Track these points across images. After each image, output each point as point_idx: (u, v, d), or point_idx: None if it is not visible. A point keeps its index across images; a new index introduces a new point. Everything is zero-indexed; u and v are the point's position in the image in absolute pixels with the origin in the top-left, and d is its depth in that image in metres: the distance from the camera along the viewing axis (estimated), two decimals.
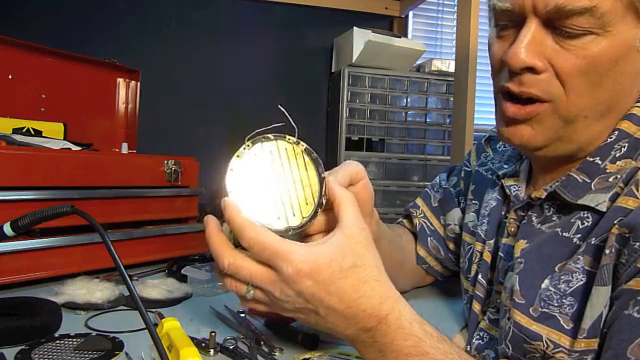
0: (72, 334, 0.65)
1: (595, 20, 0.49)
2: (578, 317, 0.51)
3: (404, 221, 0.94)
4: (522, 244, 0.60)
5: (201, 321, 0.73)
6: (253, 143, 0.52)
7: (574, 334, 0.51)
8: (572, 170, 0.57)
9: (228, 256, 0.49)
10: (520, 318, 0.55)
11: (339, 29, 1.90)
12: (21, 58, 1.22)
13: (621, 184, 0.53)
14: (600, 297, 0.49)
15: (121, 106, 1.45)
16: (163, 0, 1.81)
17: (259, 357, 0.61)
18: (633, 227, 0.47)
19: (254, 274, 0.49)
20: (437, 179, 0.93)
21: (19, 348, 0.59)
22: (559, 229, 0.57)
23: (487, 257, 0.69)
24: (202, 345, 0.62)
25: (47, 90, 1.28)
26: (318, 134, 1.98)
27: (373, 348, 0.49)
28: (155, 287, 0.84)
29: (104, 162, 1.06)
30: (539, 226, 0.60)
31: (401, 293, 0.51)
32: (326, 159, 0.50)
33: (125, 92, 1.46)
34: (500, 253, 0.65)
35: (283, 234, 0.50)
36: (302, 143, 0.53)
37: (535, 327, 0.54)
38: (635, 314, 0.45)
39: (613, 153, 0.55)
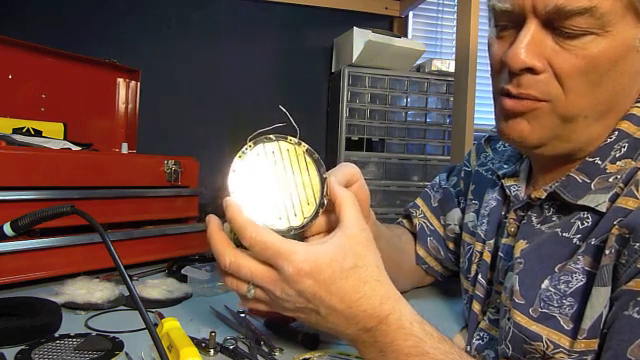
0: (72, 334, 0.65)
1: (595, 20, 0.49)
2: (578, 317, 0.51)
3: (404, 221, 0.94)
4: (522, 244, 0.60)
5: (201, 321, 0.73)
6: (255, 144, 0.52)
7: (574, 334, 0.51)
8: (572, 170, 0.57)
9: (229, 255, 0.50)
10: (520, 318, 0.55)
11: (339, 29, 1.90)
12: (21, 58, 1.22)
13: (621, 184, 0.53)
14: (600, 298, 0.49)
15: (121, 106, 1.45)
16: (163, 0, 1.81)
17: (259, 357, 0.61)
18: (633, 228, 0.47)
19: (255, 273, 0.49)
20: (437, 179, 0.93)
21: (19, 348, 0.59)
22: (559, 229, 0.57)
23: (487, 257, 0.69)
24: (202, 345, 0.62)
25: (47, 90, 1.28)
26: (318, 134, 1.98)
27: (374, 348, 0.49)
28: (155, 287, 0.84)
29: (104, 162, 1.06)
30: (539, 226, 0.60)
31: (401, 293, 0.51)
32: (326, 159, 0.50)
33: (125, 92, 1.46)
34: (500, 253, 0.65)
35: (284, 234, 0.50)
36: (303, 144, 0.53)
37: (535, 327, 0.54)
38: (635, 315, 0.45)
39: (613, 153, 0.55)
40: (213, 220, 0.52)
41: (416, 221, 0.90)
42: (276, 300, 0.49)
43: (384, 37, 1.76)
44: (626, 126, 0.55)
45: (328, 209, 0.53)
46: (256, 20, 1.91)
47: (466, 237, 0.78)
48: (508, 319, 0.57)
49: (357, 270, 0.48)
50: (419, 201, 0.92)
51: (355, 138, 1.84)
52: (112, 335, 0.65)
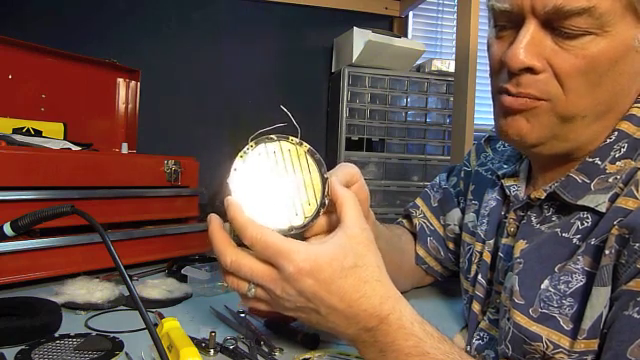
0: (72, 334, 0.65)
1: (594, 20, 0.50)
2: (578, 318, 0.51)
3: (404, 221, 0.94)
4: (522, 244, 0.60)
5: (201, 321, 0.73)
6: (257, 144, 0.52)
7: (574, 335, 0.51)
8: (571, 170, 0.57)
9: (230, 254, 0.50)
10: (520, 319, 0.55)
11: (339, 29, 1.90)
12: (21, 58, 1.22)
13: (621, 185, 0.53)
14: (600, 298, 0.49)
15: (121, 106, 1.45)
16: (163, 0, 1.81)
17: (259, 357, 0.61)
18: (633, 228, 0.47)
19: (255, 272, 0.49)
20: (437, 179, 0.93)
21: (19, 348, 0.59)
22: (559, 229, 0.57)
23: (487, 257, 0.69)
24: (202, 345, 0.62)
25: (47, 90, 1.28)
26: (318, 134, 1.98)
27: (374, 348, 0.49)
28: (155, 287, 0.84)
29: (104, 162, 1.06)
30: (539, 226, 0.60)
31: (401, 293, 0.51)
32: (326, 159, 0.50)
33: (125, 92, 1.46)
34: (500, 253, 0.65)
35: (285, 234, 0.50)
36: (305, 144, 0.53)
37: (535, 328, 0.54)
38: (635, 315, 0.45)
39: (613, 154, 0.55)
40: (215, 219, 0.52)
41: (416, 221, 0.90)
42: (276, 299, 0.49)
43: (384, 37, 1.76)
44: (626, 126, 0.55)
45: (329, 209, 0.53)
46: (256, 20, 1.91)
47: (466, 237, 0.78)
48: (508, 319, 0.57)
49: (357, 270, 0.48)
50: (419, 201, 0.92)
51: (355, 138, 1.84)
52: (112, 335, 0.65)
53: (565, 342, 0.51)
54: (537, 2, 0.51)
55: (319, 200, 0.52)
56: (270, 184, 0.52)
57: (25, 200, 0.87)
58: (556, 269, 0.55)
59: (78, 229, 0.93)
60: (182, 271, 0.92)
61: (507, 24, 0.56)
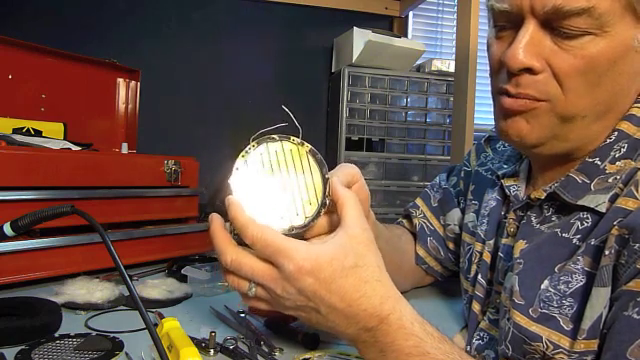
0: (72, 334, 0.65)
1: (593, 21, 0.50)
2: (578, 318, 0.51)
3: (404, 221, 0.94)
4: (521, 244, 0.60)
5: (201, 321, 0.73)
6: (258, 143, 0.52)
7: (574, 335, 0.51)
8: (571, 171, 0.57)
9: (231, 253, 0.50)
10: (520, 319, 0.55)
11: (339, 29, 1.90)
12: (21, 58, 1.22)
13: (621, 185, 0.53)
14: (600, 298, 0.49)
15: (121, 106, 1.45)
16: (163, 0, 1.81)
17: (259, 357, 0.61)
18: (633, 228, 0.47)
19: (256, 271, 0.49)
20: (437, 179, 0.94)
21: (19, 348, 0.59)
22: (558, 230, 0.57)
23: (487, 257, 0.69)
24: (202, 345, 0.62)
25: (47, 90, 1.28)
26: (318, 134, 1.98)
27: (374, 348, 0.49)
28: (155, 287, 0.84)
29: (104, 162, 1.06)
30: (538, 226, 0.60)
31: (401, 293, 0.51)
32: (326, 159, 0.50)
33: (125, 92, 1.46)
34: (500, 253, 0.65)
35: (286, 233, 0.50)
36: (306, 144, 0.53)
37: (535, 328, 0.54)
38: (635, 315, 0.45)
39: (612, 154, 0.55)
40: (216, 219, 0.52)
41: (416, 221, 0.90)
42: (277, 298, 0.49)
43: (384, 37, 1.76)
44: (626, 126, 0.55)
45: (330, 209, 0.53)
46: (256, 20, 1.91)
47: (466, 237, 0.78)
48: (508, 319, 0.57)
49: (358, 269, 0.48)
50: (419, 201, 0.92)
51: (355, 138, 1.84)
52: (112, 335, 0.65)
53: (565, 342, 0.52)
54: (536, 2, 0.51)
55: (320, 200, 0.52)
56: (271, 184, 0.52)
57: (25, 200, 0.87)
58: (556, 269, 0.55)
59: (78, 229, 0.93)
60: (182, 271, 0.92)
61: (506, 24, 0.56)
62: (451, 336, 0.60)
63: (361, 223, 0.51)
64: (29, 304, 0.70)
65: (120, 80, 1.45)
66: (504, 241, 0.65)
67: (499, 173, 0.69)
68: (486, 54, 0.62)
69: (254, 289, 0.50)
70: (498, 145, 0.80)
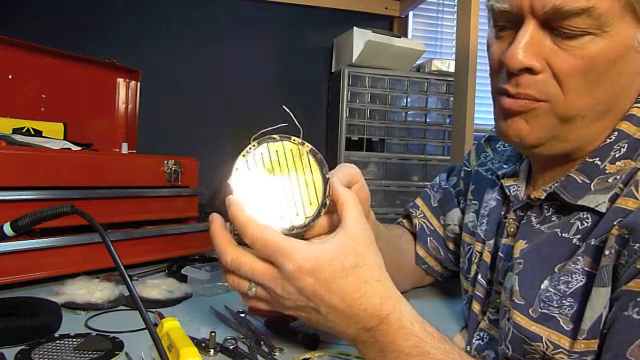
0: (72, 334, 0.65)
1: (593, 21, 0.50)
2: (578, 318, 0.51)
3: (404, 221, 0.94)
4: (521, 244, 0.60)
5: (201, 321, 0.73)
6: (259, 143, 0.52)
7: (574, 335, 0.51)
8: (571, 171, 0.57)
9: (231, 252, 0.50)
10: (520, 319, 0.55)
11: (339, 29, 1.90)
12: (21, 58, 1.22)
13: (620, 185, 0.53)
14: (600, 298, 0.49)
15: (121, 106, 1.45)
16: (163, 0, 1.81)
17: (259, 357, 0.61)
18: (633, 228, 0.47)
19: (256, 270, 0.49)
20: (437, 179, 0.94)
21: (19, 348, 0.59)
22: (558, 230, 0.57)
23: (487, 257, 0.69)
24: (202, 345, 0.62)
25: (47, 90, 1.28)
26: (318, 134, 1.98)
27: (374, 348, 0.49)
28: (155, 287, 0.84)
29: (104, 162, 1.06)
30: (538, 226, 0.60)
31: (401, 293, 0.51)
32: (326, 159, 0.50)
33: (125, 92, 1.46)
34: (500, 253, 0.65)
35: (286, 233, 0.50)
36: (307, 144, 0.53)
37: (535, 328, 0.54)
38: (635, 315, 0.45)
39: (613, 154, 0.55)
40: (216, 218, 0.52)
41: (416, 221, 0.90)
42: (277, 298, 0.49)
43: (384, 37, 1.76)
44: (626, 126, 0.55)
45: (330, 210, 0.53)
46: (256, 20, 1.91)
47: (466, 237, 0.78)
48: (508, 319, 0.57)
49: (358, 269, 0.48)
50: (419, 201, 0.92)
51: (355, 138, 1.84)
52: (112, 335, 0.65)
53: (565, 342, 0.52)
54: (536, 2, 0.51)
55: (320, 200, 0.52)
56: (272, 184, 0.52)
57: (25, 200, 0.87)
58: (556, 269, 0.55)
59: (78, 229, 0.93)
60: (182, 271, 0.92)
61: (506, 24, 0.56)
62: (451, 336, 0.60)
63: (361, 223, 0.51)
64: (29, 304, 0.70)
65: (120, 80, 1.45)
66: (504, 241, 0.65)
67: (499, 173, 0.69)
68: (486, 54, 0.62)
69: (254, 289, 0.50)
70: (498, 145, 0.80)
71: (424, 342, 0.47)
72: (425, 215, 0.90)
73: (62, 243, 0.91)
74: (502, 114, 0.58)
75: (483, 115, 2.02)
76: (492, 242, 0.69)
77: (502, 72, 0.57)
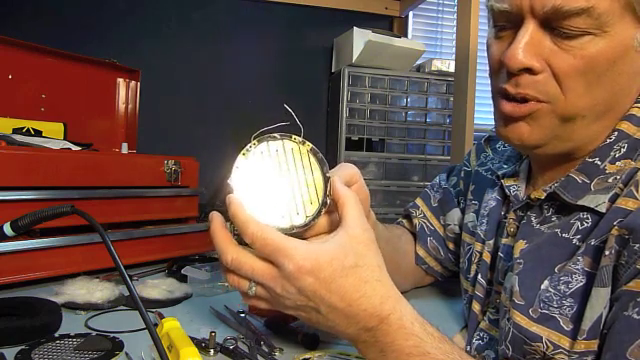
0: (72, 334, 0.65)
1: (592, 21, 0.50)
2: (578, 318, 0.51)
3: (404, 221, 0.94)
4: (521, 244, 0.60)
5: (201, 321, 0.73)
6: (259, 142, 0.52)
7: (574, 335, 0.51)
8: (571, 171, 0.57)
9: (231, 252, 0.50)
10: (520, 319, 0.55)
11: (339, 29, 1.90)
12: (21, 58, 1.22)
13: (620, 185, 0.53)
14: (600, 298, 0.49)
15: (121, 106, 1.45)
16: (163, 0, 1.81)
17: (259, 357, 0.61)
18: (632, 228, 0.47)
19: (256, 270, 0.49)
20: (437, 179, 0.93)
21: (19, 348, 0.59)
22: (558, 230, 0.57)
23: (487, 257, 0.69)
24: (202, 345, 0.62)
25: (47, 90, 1.28)
26: (318, 134, 1.98)
27: (374, 348, 0.49)
28: (155, 287, 0.84)
29: (104, 162, 1.06)
30: (538, 226, 0.60)
31: (401, 293, 0.51)
32: (327, 159, 0.50)
33: (125, 92, 1.46)
34: (500, 253, 0.65)
35: (287, 232, 0.50)
36: (308, 143, 0.53)
37: (535, 328, 0.54)
38: (635, 315, 0.45)
39: (612, 154, 0.55)
40: (216, 217, 0.52)
41: (416, 221, 0.90)
42: (277, 298, 0.49)
43: (384, 37, 1.76)
44: (626, 126, 0.55)
45: (330, 209, 0.53)
46: (256, 20, 1.91)
47: (466, 237, 0.78)
48: (508, 320, 0.57)
49: (358, 269, 0.48)
50: (419, 201, 0.92)
51: (355, 138, 1.84)
52: (112, 335, 0.65)
53: (565, 342, 0.52)
54: (536, 2, 0.51)
55: (321, 199, 0.52)
56: (272, 183, 0.52)
57: (25, 200, 0.87)
58: (556, 269, 0.55)
59: (78, 229, 0.93)
60: (182, 271, 0.92)
61: (506, 24, 0.56)
62: (451, 336, 0.60)
63: (362, 223, 0.51)
64: (29, 304, 0.70)
65: (120, 80, 1.45)
66: (504, 241, 0.65)
67: (499, 173, 0.69)
68: (486, 54, 0.62)
69: (254, 288, 0.50)
70: (498, 145, 0.80)
71: (424, 342, 0.47)
72: (425, 215, 0.90)
73: (62, 243, 0.91)
74: (502, 119, 0.58)
75: (483, 115, 2.02)
76: (492, 242, 0.68)
77: (502, 72, 0.57)
